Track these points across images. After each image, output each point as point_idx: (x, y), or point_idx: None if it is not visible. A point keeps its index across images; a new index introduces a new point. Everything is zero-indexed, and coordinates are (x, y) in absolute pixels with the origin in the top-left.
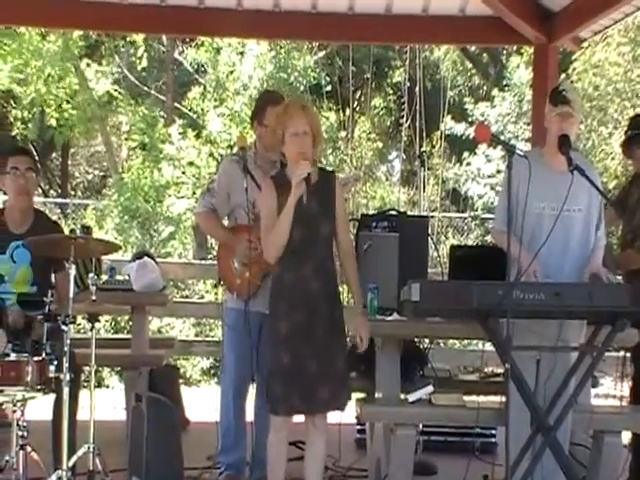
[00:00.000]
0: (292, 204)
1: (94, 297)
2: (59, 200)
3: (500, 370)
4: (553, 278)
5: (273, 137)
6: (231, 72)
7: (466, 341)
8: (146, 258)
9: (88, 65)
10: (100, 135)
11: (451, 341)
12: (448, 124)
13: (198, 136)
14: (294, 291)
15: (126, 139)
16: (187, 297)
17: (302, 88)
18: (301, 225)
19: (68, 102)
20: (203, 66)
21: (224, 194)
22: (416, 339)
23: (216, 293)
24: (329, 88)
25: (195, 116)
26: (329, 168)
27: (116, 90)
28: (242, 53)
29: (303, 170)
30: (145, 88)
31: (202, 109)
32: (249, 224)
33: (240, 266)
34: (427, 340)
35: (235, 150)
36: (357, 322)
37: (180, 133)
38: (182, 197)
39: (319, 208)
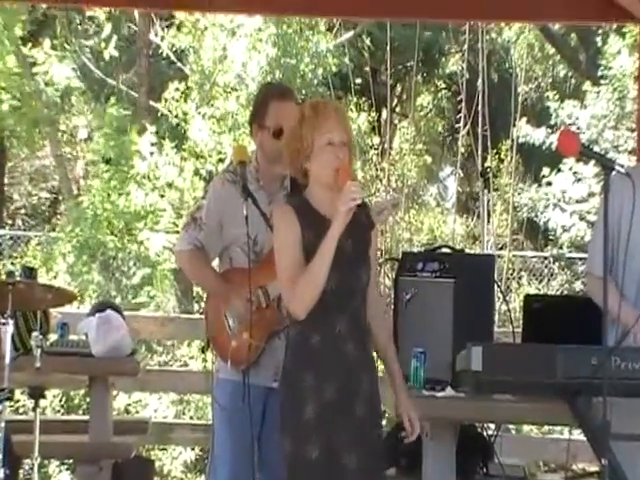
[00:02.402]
0: (334, 237)
1: (39, 364)
2: None
3: (594, 468)
4: None
5: (292, 145)
6: (221, 59)
7: (547, 427)
8: (110, 311)
9: (33, 46)
10: (48, 144)
11: (526, 427)
12: (522, 130)
13: (178, 147)
14: (325, 357)
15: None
16: (166, 364)
17: (316, 81)
18: (336, 269)
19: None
20: (185, 52)
21: (215, 226)
22: (478, 424)
23: (205, 359)
24: (358, 81)
25: (175, 122)
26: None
27: (70, 81)
28: (234, 33)
29: (355, 194)
30: (110, 81)
31: (184, 112)
32: (249, 266)
33: (236, 324)
34: (492, 425)
35: (228, 165)
36: (398, 400)
37: (153, 144)
38: (159, 230)
39: (354, 247)
